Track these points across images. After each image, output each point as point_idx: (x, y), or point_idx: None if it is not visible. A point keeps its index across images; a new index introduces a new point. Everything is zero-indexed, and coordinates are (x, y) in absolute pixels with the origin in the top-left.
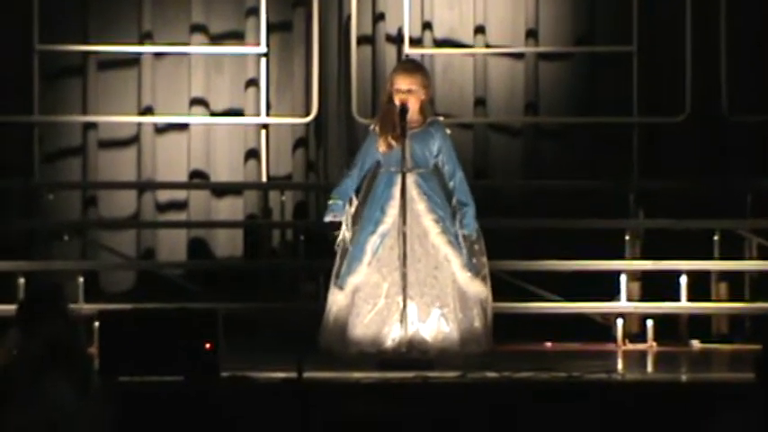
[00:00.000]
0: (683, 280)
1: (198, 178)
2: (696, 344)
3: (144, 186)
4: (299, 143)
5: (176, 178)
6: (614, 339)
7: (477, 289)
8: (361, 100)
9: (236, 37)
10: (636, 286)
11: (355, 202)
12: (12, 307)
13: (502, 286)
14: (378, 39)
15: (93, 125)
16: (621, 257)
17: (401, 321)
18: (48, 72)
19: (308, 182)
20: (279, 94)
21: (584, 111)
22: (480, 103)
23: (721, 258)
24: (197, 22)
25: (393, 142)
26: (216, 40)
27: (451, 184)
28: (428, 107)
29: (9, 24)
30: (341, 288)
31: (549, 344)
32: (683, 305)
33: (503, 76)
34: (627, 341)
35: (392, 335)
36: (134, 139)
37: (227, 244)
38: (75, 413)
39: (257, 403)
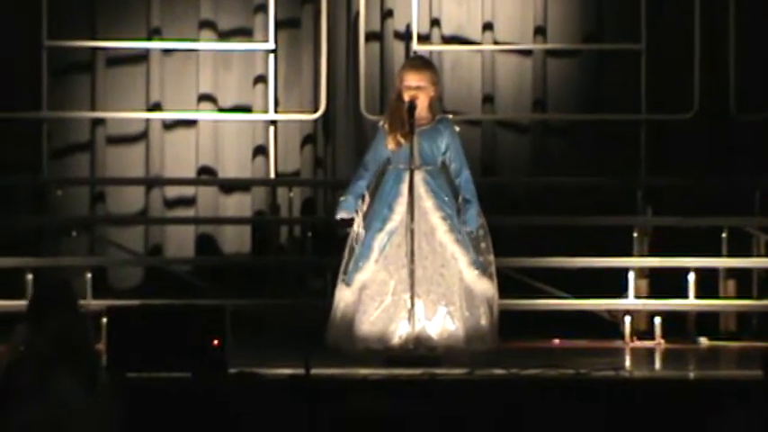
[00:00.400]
0: (691, 277)
1: (206, 174)
2: (704, 341)
3: (152, 182)
4: (307, 140)
5: (184, 174)
6: (622, 336)
7: (484, 287)
8: (370, 96)
9: (245, 33)
10: (643, 283)
11: (367, 199)
12: (20, 303)
13: (509, 283)
14: (386, 35)
15: (101, 121)
16: (629, 254)
17: (408, 318)
18: (56, 68)
19: (315, 178)
20: (287, 91)
21: (592, 108)
22: (488, 100)
23: (729, 256)
24: (205, 18)
25: (402, 140)
26: (224, 36)
27: (457, 181)
28: (437, 104)
29: (18, 21)
30: (348, 285)
31: (556, 341)
32: (691, 302)
33: (511, 73)
34: (634, 338)
35: (399, 332)
36: (142, 136)
37: (235, 240)
38: (83, 409)
39: (265, 400)
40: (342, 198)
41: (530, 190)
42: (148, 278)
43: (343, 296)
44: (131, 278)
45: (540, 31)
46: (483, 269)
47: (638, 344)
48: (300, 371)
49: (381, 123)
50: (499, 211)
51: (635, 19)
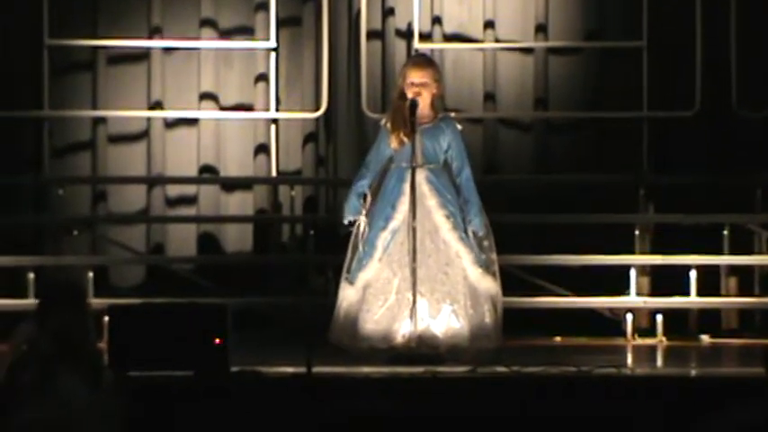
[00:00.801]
0: (693, 274)
1: (208, 173)
2: (706, 338)
3: (153, 181)
4: (309, 138)
5: (186, 173)
6: (624, 334)
7: (488, 285)
8: (371, 95)
9: (246, 32)
10: (645, 281)
11: (369, 199)
12: (22, 302)
13: (511, 281)
14: (387, 34)
15: (102, 120)
16: (631, 252)
17: (411, 317)
18: (57, 67)
19: (317, 177)
20: (288, 89)
21: (594, 106)
22: (490, 97)
23: (731, 253)
24: (206, 16)
25: (405, 139)
26: (225, 34)
27: (458, 180)
28: (439, 102)
29: (19, 19)
30: (351, 283)
31: (558, 338)
32: (693, 300)
33: (512, 71)
34: (636, 336)
35: (402, 330)
36: (144, 134)
37: (237, 239)
38: (85, 408)
39: (267, 398)
40: (345, 202)
41: (531, 188)
42: (150, 277)
43: (347, 295)
44: (133, 277)
45: (541, 29)
46: (486, 267)
47: (640, 341)
48: (302, 369)
49: (383, 122)
50: (501, 208)
51: (636, 16)
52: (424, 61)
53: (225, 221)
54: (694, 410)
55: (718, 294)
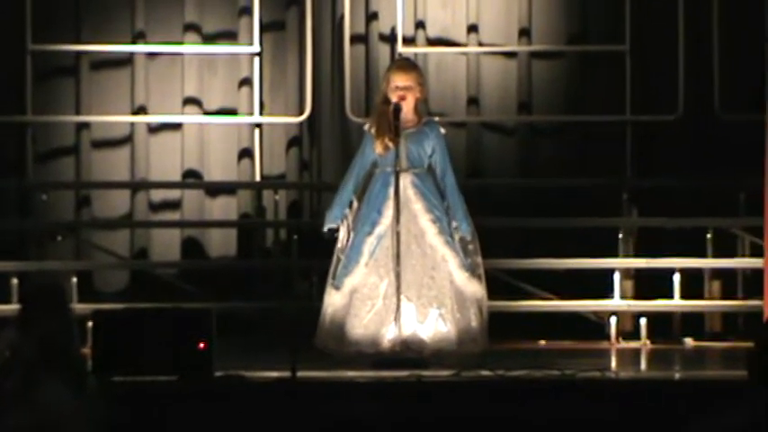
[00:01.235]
0: (677, 278)
1: (191, 178)
2: (689, 342)
3: (137, 186)
4: (293, 142)
5: (170, 178)
6: (608, 337)
7: (474, 289)
8: (355, 99)
9: (230, 36)
10: (629, 284)
11: (355, 205)
12: (5, 307)
13: (496, 285)
14: (371, 38)
15: (86, 125)
16: (615, 255)
17: (395, 321)
18: (41, 72)
19: (301, 181)
20: (272, 94)
21: (577, 109)
22: (473, 102)
23: (714, 256)
24: (190, 21)
25: (390, 144)
26: (209, 39)
27: (442, 185)
28: (423, 106)
29: (2, 24)
30: (337, 289)
31: (542, 342)
32: (677, 303)
33: (496, 75)
34: (620, 339)
35: (389, 335)
36: (127, 139)
37: (221, 243)
38: (70, 414)
39: (251, 403)
40: (328, 210)
41: (515, 191)
42: (134, 282)
43: (333, 300)
44: (117, 282)
45: (524, 33)
46: (472, 271)
47: (624, 345)
48: (287, 374)
49: (367, 127)
50: (485, 212)
51: (619, 20)
52: (408, 65)
53: (209, 226)
54: (678, 414)
55: (701, 297)
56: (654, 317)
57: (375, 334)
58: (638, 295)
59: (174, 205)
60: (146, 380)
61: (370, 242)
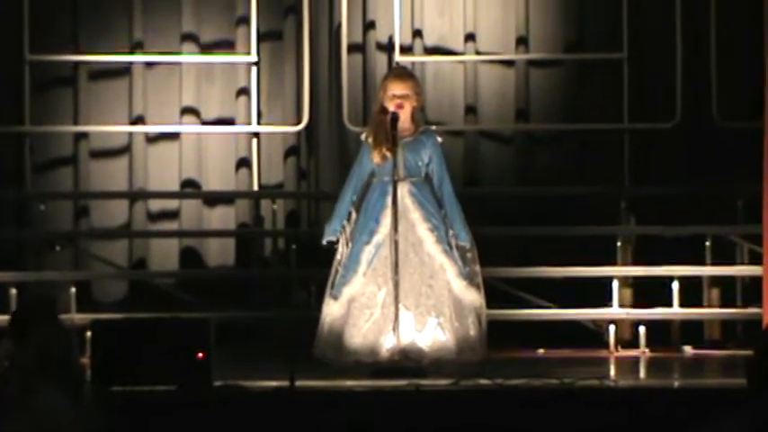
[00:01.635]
0: (675, 286)
1: (189, 187)
2: (688, 350)
3: (135, 196)
4: (291, 151)
5: (168, 187)
6: (606, 345)
7: (472, 297)
8: (353, 108)
9: (227, 46)
10: (628, 292)
11: (354, 216)
12: (4, 317)
13: (494, 293)
14: (368, 47)
15: (84, 135)
16: (613, 264)
17: (394, 330)
18: (39, 82)
19: (299, 190)
20: (270, 103)
21: (575, 118)
22: (471, 110)
23: (713, 264)
24: (188, 31)
25: (387, 154)
26: (207, 49)
27: (439, 194)
28: (420, 115)
29: (0, 35)
30: (335, 298)
31: (541, 350)
32: (676, 311)
33: (493, 83)
34: (619, 347)
35: (387, 344)
36: (125, 149)
37: (219, 253)
38: (68, 424)
39: (250, 412)
40: (327, 223)
41: (513, 200)
42: (132, 292)
43: (331, 310)
44: (115, 292)
45: (522, 42)
46: (470, 279)
47: (623, 353)
48: (285, 383)
49: (364, 137)
50: (483, 221)
51: (616, 28)
52: (405, 73)
53: (207, 236)
54: (678, 422)
55: (700, 305)
56: (653, 325)
57: (373, 343)
58: (637, 303)
59: (173, 215)
60: (144, 389)
61: (368, 251)
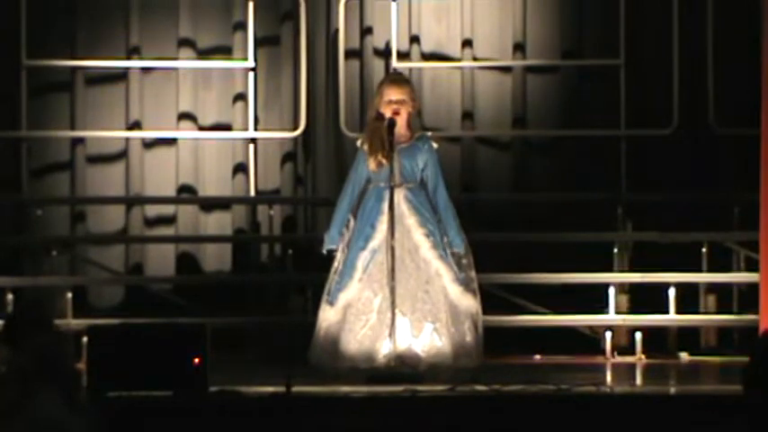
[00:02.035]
0: (672, 292)
1: (186, 193)
2: (685, 356)
3: (132, 201)
4: (287, 157)
5: (164, 193)
6: (603, 352)
7: (469, 303)
8: (350, 114)
9: (224, 51)
10: (624, 299)
11: (352, 223)
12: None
13: (491, 299)
14: (365, 53)
15: (81, 140)
16: (610, 270)
17: (390, 335)
18: (35, 87)
19: (296, 196)
20: (267, 109)
21: (572, 124)
22: (468, 116)
23: (709, 271)
24: (184, 36)
25: (383, 161)
26: (204, 54)
27: (434, 200)
28: (416, 121)
29: None
30: (331, 304)
31: (537, 357)
32: (672, 318)
33: (490, 89)
34: (615, 354)
35: (384, 350)
36: (122, 154)
37: (216, 258)
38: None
39: (246, 418)
40: (326, 232)
41: (510, 206)
42: (129, 297)
43: (327, 316)
44: (112, 297)
45: (519, 48)
46: (466, 285)
47: (619, 359)
48: (282, 389)
49: (360, 143)
50: (480, 227)
51: (614, 34)
52: (401, 79)
53: (203, 241)
54: (674, 429)
55: (696, 312)
56: (649, 331)
57: (370, 349)
58: (634, 310)
59: (169, 220)
60: (140, 395)
61: (364, 257)
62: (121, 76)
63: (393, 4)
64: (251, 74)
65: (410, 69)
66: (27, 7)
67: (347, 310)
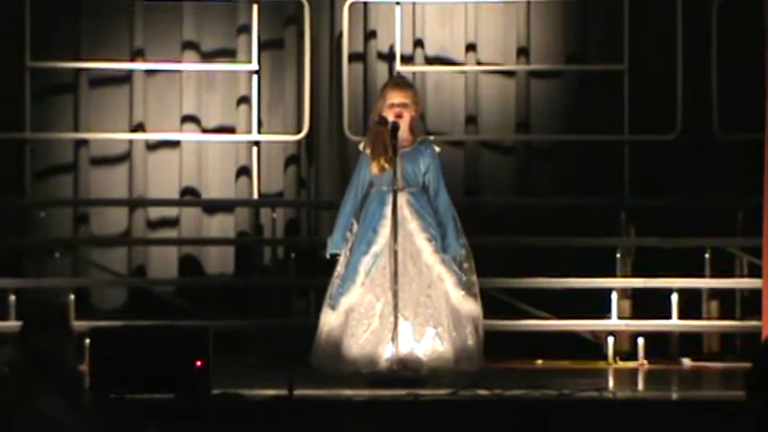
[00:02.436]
0: (674, 298)
1: (189, 195)
2: (687, 362)
3: (135, 203)
4: (291, 160)
5: (168, 195)
6: (605, 357)
7: (470, 307)
8: (353, 117)
9: (228, 54)
10: (627, 304)
11: (356, 227)
12: (3, 323)
13: (493, 304)
14: (369, 56)
15: (84, 142)
16: (613, 275)
17: (392, 339)
18: (39, 89)
19: (299, 199)
20: (270, 112)
21: (576, 128)
22: (471, 120)
23: (712, 276)
24: (189, 39)
25: (386, 165)
26: (207, 57)
27: (435, 204)
28: (419, 125)
29: (1, 41)
30: (333, 308)
31: (539, 361)
32: (674, 323)
33: (494, 93)
34: (618, 359)
35: (386, 354)
36: (125, 157)
37: (219, 261)
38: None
39: (248, 421)
40: (329, 237)
41: (513, 210)
42: (132, 299)
43: (329, 320)
44: (115, 299)
45: (522, 52)
46: (468, 289)
47: (622, 364)
48: (284, 392)
49: (362, 147)
50: (482, 231)
51: (617, 40)
52: (404, 82)
53: (206, 244)
54: None
55: (699, 318)
56: (651, 337)
57: (371, 353)
58: (636, 315)
59: (172, 223)
60: (143, 397)
61: (366, 261)
62: (125, 78)
63: (397, 8)
64: (255, 77)
65: (414, 73)
66: (31, 9)
67: (349, 315)
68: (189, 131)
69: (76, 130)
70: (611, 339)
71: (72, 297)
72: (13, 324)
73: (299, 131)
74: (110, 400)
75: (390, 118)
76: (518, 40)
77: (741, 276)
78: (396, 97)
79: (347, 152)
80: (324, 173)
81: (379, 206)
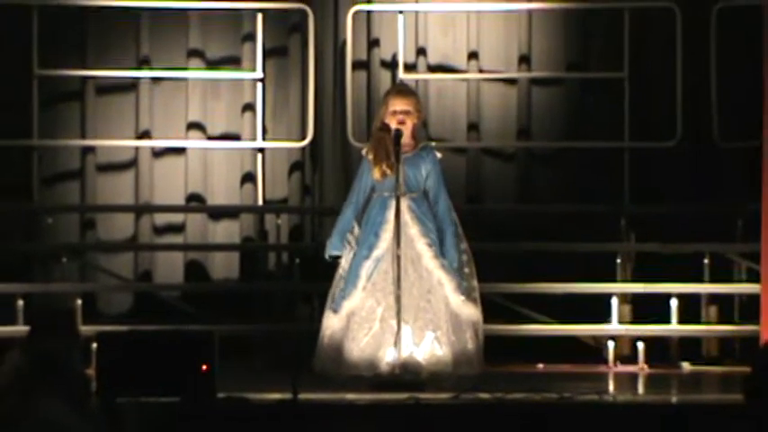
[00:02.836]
0: (674, 303)
1: (195, 201)
2: (686, 366)
3: (141, 210)
4: (295, 167)
5: (173, 201)
6: (605, 361)
7: (470, 312)
8: (357, 124)
9: (233, 62)
10: (627, 309)
11: (357, 231)
12: (11, 328)
13: (494, 309)
14: (372, 64)
15: (91, 149)
16: (613, 280)
17: (395, 344)
18: (47, 96)
19: (303, 205)
20: (275, 119)
21: (576, 136)
22: (473, 127)
23: (711, 282)
24: (194, 47)
25: (388, 170)
26: (213, 65)
27: (435, 209)
28: (421, 131)
29: (9, 50)
30: (335, 312)
31: (540, 365)
32: (674, 328)
33: (496, 101)
34: (618, 363)
35: (387, 358)
36: (132, 163)
37: (224, 266)
38: None
39: (253, 425)
40: (328, 238)
41: (514, 216)
42: (138, 304)
43: (331, 323)
44: (121, 304)
45: (524, 60)
46: (468, 294)
47: (622, 368)
48: (288, 396)
49: (364, 153)
50: (484, 237)
51: (618, 47)
52: (407, 90)
53: (212, 249)
54: None
55: (698, 322)
56: (651, 341)
57: (372, 357)
58: (636, 320)
59: (178, 229)
60: (149, 401)
61: (368, 266)
62: (131, 85)
63: (400, 17)
64: (259, 84)
65: (416, 81)
66: (39, 18)
67: (351, 319)
68: (194, 138)
69: (83, 137)
70: (611, 344)
71: (79, 302)
72: (20, 329)
73: (303, 138)
74: (116, 404)
75: (393, 125)
76: (519, 48)
77: (740, 282)
78: (398, 104)
79: (351, 159)
80: (328, 179)
81: (381, 211)
